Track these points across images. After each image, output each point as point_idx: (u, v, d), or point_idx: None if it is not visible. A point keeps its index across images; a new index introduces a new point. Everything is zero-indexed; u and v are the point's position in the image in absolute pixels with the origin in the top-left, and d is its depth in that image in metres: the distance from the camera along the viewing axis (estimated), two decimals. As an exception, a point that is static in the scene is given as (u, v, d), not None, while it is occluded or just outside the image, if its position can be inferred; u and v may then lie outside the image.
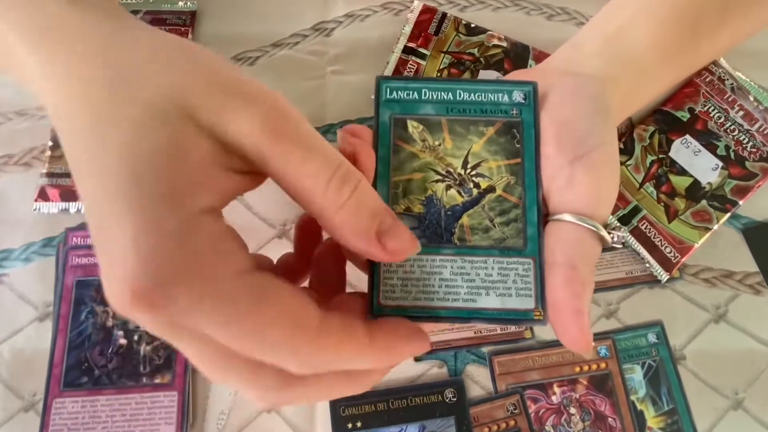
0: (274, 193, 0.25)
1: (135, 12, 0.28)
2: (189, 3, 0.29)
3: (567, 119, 0.17)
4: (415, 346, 0.15)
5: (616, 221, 0.25)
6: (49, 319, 0.23)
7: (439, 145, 0.18)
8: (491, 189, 0.18)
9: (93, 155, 0.12)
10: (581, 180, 0.16)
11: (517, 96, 0.18)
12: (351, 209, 0.13)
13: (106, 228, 0.12)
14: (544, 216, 0.17)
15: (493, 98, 0.18)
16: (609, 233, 0.16)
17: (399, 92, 0.19)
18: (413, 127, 0.18)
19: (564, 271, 0.15)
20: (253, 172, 0.14)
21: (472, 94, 0.18)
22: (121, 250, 0.11)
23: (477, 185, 0.18)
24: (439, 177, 0.18)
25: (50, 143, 0.26)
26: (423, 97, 0.18)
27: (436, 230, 0.17)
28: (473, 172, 0.18)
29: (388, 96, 0.19)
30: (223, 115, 0.12)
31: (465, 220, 0.17)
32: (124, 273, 0.11)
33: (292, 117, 0.13)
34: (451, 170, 0.18)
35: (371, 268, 0.16)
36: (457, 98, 0.18)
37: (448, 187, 0.18)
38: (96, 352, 0.22)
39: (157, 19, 0.28)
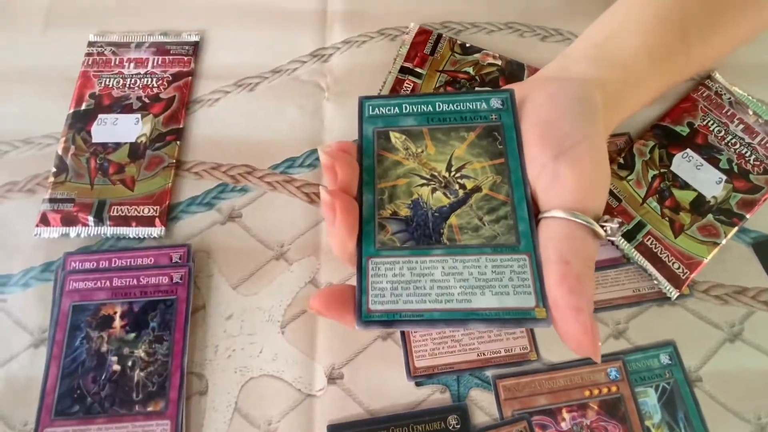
0: (272, 217, 0.25)
1: (140, 44, 0.29)
2: (193, 35, 0.30)
3: (548, 118, 0.18)
4: None
5: (615, 225, 0.24)
6: (43, 345, 0.23)
7: (422, 152, 0.18)
8: (477, 189, 0.18)
9: None
10: (566, 174, 0.16)
11: (495, 102, 0.19)
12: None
13: None
14: (535, 214, 0.17)
15: (471, 106, 0.19)
16: (602, 226, 0.16)
17: (381, 108, 0.19)
18: (396, 138, 0.19)
19: (557, 267, 0.15)
20: None
21: (451, 104, 0.19)
22: None
23: (463, 186, 0.18)
24: (424, 181, 0.18)
25: (54, 170, 0.26)
26: (404, 111, 0.19)
27: (425, 231, 0.17)
28: (458, 174, 0.18)
29: (370, 113, 0.19)
30: None
31: (453, 220, 0.17)
32: None
33: None
34: (436, 174, 0.18)
35: (359, 271, 0.16)
36: (437, 109, 0.19)
37: (434, 190, 0.18)
38: (89, 379, 0.22)
39: (162, 50, 0.29)
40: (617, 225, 0.16)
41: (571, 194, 0.16)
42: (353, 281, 0.16)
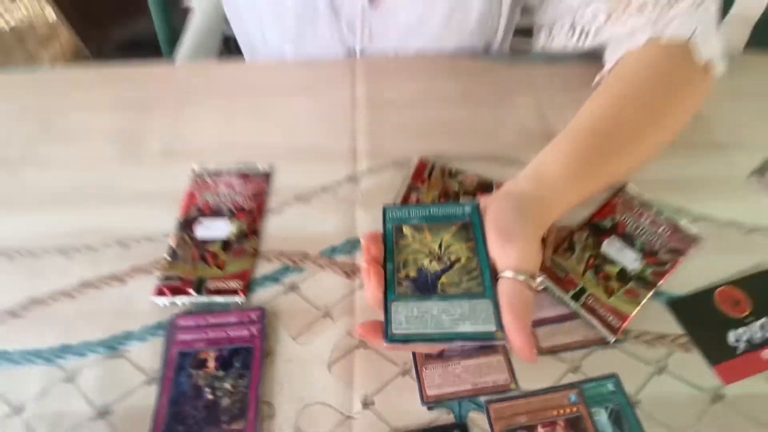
0: (320, 288, 0.35)
1: (229, 172, 0.43)
2: (265, 166, 0.43)
3: (499, 220, 0.29)
4: None
5: (565, 296, 0.34)
6: (155, 382, 0.31)
7: (423, 238, 0.30)
8: (458, 260, 0.28)
9: None
10: (510, 253, 0.27)
11: (468, 209, 0.31)
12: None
13: None
14: (495, 275, 0.27)
15: (453, 211, 0.31)
16: (534, 281, 0.26)
17: (396, 213, 0.31)
18: (406, 230, 0.30)
19: (507, 306, 0.25)
20: None
21: (441, 210, 0.31)
22: None
23: (449, 259, 0.28)
24: (425, 256, 0.29)
25: (167, 257, 0.37)
26: (411, 215, 0.31)
27: (426, 286, 0.27)
28: (446, 252, 0.29)
29: (390, 216, 0.31)
30: None
31: (444, 279, 0.28)
32: None
33: None
34: (432, 252, 0.29)
35: (385, 310, 0.26)
36: (432, 213, 0.31)
37: (431, 261, 0.29)
38: (190, 406, 0.30)
39: (244, 176, 0.42)
40: (541, 279, 0.27)
41: (514, 263, 0.27)
42: (381, 319, 0.26)
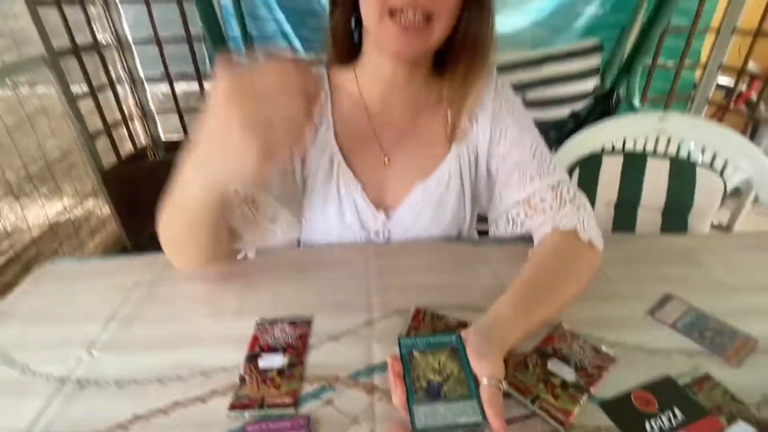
0: (348, 403, 0.49)
1: (282, 321, 0.60)
2: (306, 316, 0.61)
3: (476, 346, 0.46)
4: None
5: (525, 400, 0.48)
6: (230, 474, 0.42)
7: (428, 359, 0.46)
8: (452, 374, 0.44)
9: None
10: (484, 365, 0.44)
11: (454, 339, 0.48)
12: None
13: None
14: (476, 382, 0.43)
15: (445, 340, 0.48)
16: (502, 384, 0.42)
17: (408, 342, 0.48)
18: (416, 353, 0.46)
19: (487, 402, 0.40)
20: None
21: (437, 339, 0.47)
22: None
23: (446, 373, 0.44)
24: (431, 371, 0.44)
25: (238, 382, 0.51)
26: (418, 343, 0.47)
27: (434, 393, 0.43)
28: (443, 369, 0.45)
29: (403, 344, 0.48)
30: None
31: (445, 388, 0.43)
32: None
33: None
34: (434, 369, 0.45)
35: (410, 412, 0.41)
36: (431, 342, 0.47)
37: (435, 375, 0.44)
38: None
39: (291, 323, 0.60)
40: (506, 385, 0.43)
41: (488, 372, 0.43)
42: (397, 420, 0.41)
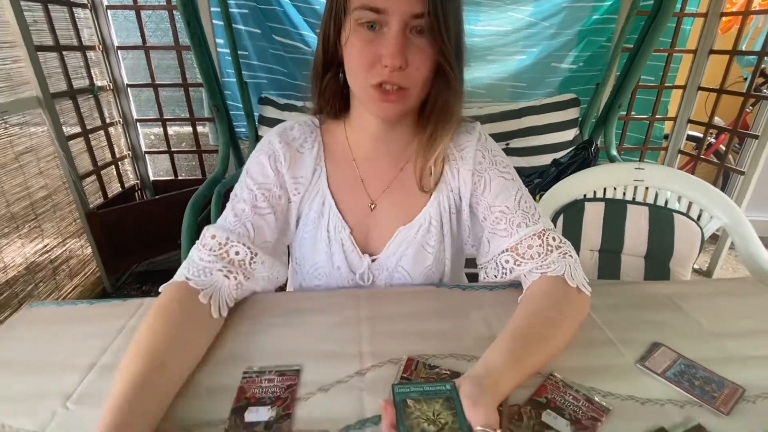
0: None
1: (270, 371, 0.58)
2: (295, 366, 0.59)
3: (470, 394, 0.45)
4: None
5: (522, 455, 0.47)
6: None
7: (422, 408, 0.45)
8: (447, 423, 0.43)
9: None
10: (478, 411, 0.43)
11: (448, 387, 0.47)
12: None
13: None
14: (470, 430, 0.42)
15: (439, 389, 0.47)
16: None
17: (401, 389, 0.47)
18: (410, 402, 0.46)
19: None
20: None
21: (430, 387, 0.47)
22: None
23: (440, 422, 0.43)
24: (424, 421, 0.43)
25: (223, 437, 0.49)
26: (411, 391, 0.47)
27: None
28: (437, 417, 0.44)
29: (397, 391, 0.47)
30: None
31: None
32: None
33: None
34: (428, 418, 0.44)
35: None
36: (425, 390, 0.47)
37: (429, 424, 0.43)
38: None
39: (279, 373, 0.58)
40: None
41: (482, 421, 0.43)
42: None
